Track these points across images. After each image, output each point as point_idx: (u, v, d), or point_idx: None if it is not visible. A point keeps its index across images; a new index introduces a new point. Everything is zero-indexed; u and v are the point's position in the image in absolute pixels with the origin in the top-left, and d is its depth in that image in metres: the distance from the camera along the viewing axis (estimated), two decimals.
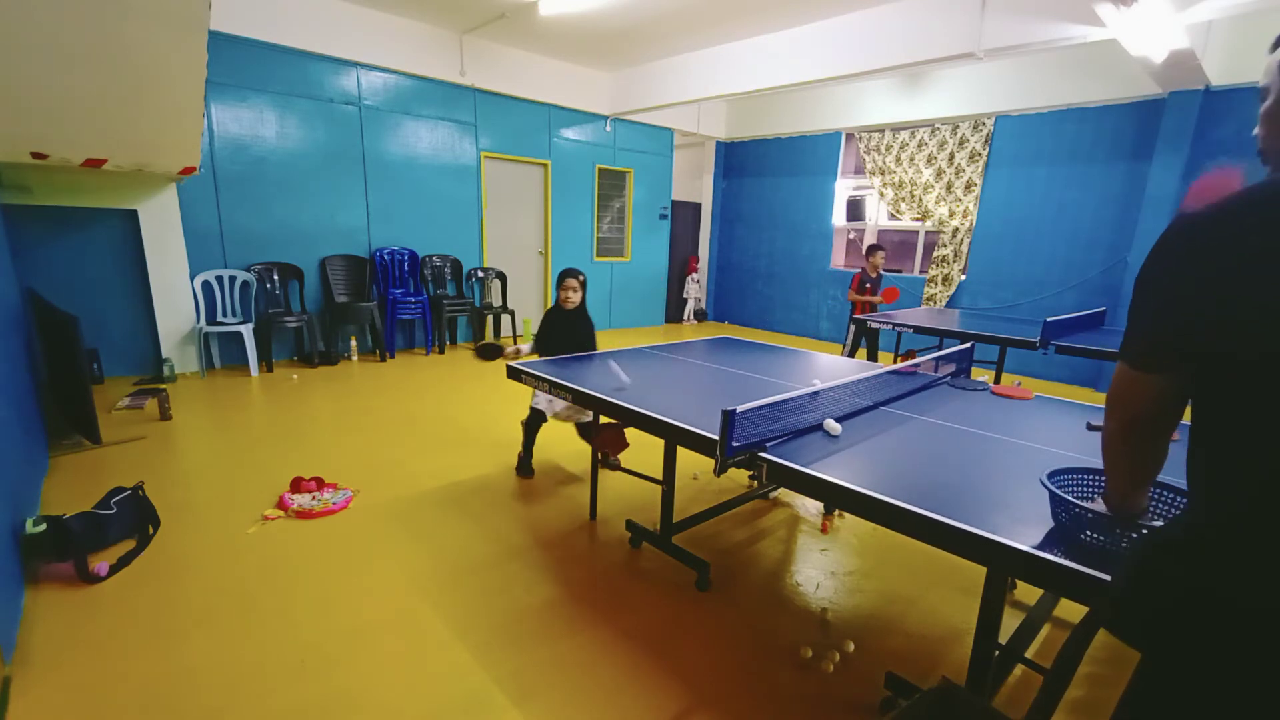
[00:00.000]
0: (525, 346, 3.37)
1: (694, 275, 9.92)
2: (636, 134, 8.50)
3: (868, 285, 6.01)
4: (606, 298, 8.63)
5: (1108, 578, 1.11)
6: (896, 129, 7.56)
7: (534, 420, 3.36)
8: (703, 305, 10.07)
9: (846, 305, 7.93)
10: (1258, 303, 0.73)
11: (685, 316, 9.98)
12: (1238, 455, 0.77)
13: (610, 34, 6.29)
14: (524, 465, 3.46)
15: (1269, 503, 0.73)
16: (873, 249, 6.11)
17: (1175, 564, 0.80)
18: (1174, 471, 0.99)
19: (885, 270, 8.09)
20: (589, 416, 3.07)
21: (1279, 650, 0.69)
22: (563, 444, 3.86)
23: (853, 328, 5.84)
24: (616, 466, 3.44)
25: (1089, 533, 1.22)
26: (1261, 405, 0.73)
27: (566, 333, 3.33)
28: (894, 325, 4.94)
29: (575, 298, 3.35)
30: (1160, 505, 1.29)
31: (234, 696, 1.78)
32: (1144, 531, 1.12)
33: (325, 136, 5.86)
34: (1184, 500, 1.19)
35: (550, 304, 3.42)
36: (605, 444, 3.10)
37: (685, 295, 9.97)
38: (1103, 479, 1.35)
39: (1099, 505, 1.18)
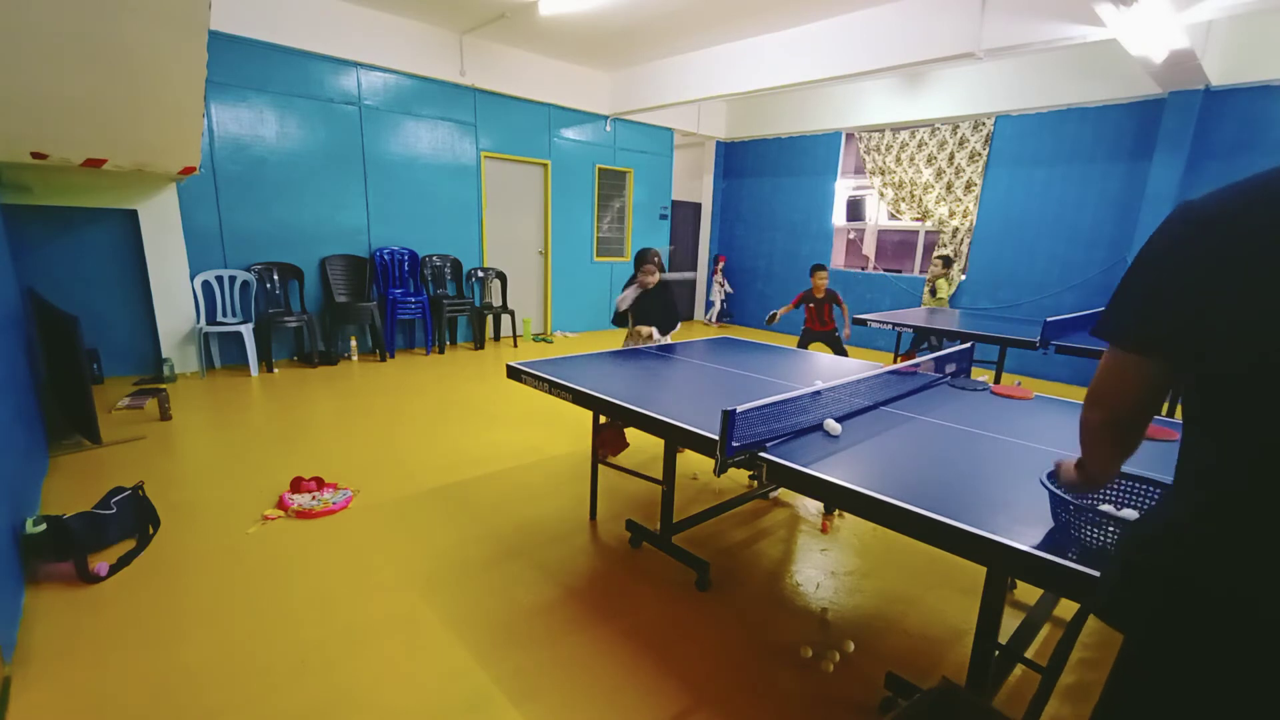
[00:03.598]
0: (653, 330, 3.65)
1: (717, 277, 9.62)
2: (636, 134, 8.50)
3: (810, 305, 5.26)
4: (606, 297, 8.63)
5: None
6: (896, 129, 7.56)
7: None
8: (727, 307, 9.73)
9: (846, 306, 7.91)
10: (1253, 302, 0.73)
11: (709, 319, 9.72)
12: (1225, 447, 0.79)
13: (610, 34, 6.29)
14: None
15: (1252, 494, 0.76)
16: (816, 268, 5.28)
17: (1161, 554, 0.83)
18: (1167, 469, 0.99)
19: (887, 270, 8.09)
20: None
21: (1254, 635, 0.73)
22: (562, 443, 3.86)
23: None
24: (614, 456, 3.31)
25: (1088, 532, 1.22)
26: (1250, 398, 0.75)
27: (658, 306, 3.65)
28: (894, 325, 4.95)
29: (652, 280, 3.59)
30: (1141, 498, 1.30)
31: (234, 696, 1.78)
32: (1129, 523, 1.13)
33: (325, 136, 5.86)
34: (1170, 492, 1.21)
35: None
36: (605, 444, 3.09)
37: (710, 298, 9.72)
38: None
39: (1120, 510, 1.17)
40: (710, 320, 9.75)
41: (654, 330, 3.65)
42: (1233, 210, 0.77)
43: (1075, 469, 1.12)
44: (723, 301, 9.71)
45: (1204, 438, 0.82)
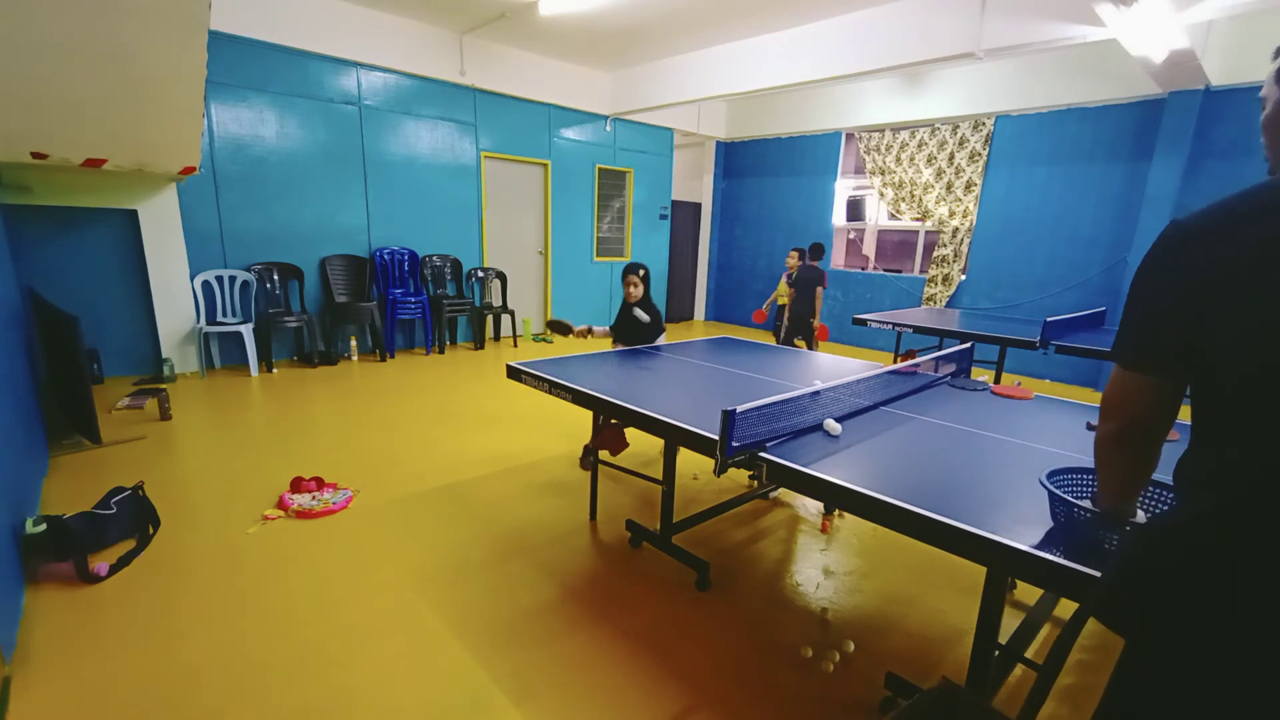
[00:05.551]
0: (600, 328, 3.52)
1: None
2: (636, 134, 8.50)
3: (791, 288, 5.98)
4: (606, 297, 8.63)
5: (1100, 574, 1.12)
6: (896, 129, 7.56)
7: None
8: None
9: (844, 306, 7.87)
10: (1249, 315, 0.75)
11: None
12: (1223, 453, 0.80)
13: (610, 34, 6.29)
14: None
15: (1254, 499, 0.76)
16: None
17: (1160, 557, 0.83)
18: (1164, 469, 0.99)
19: (887, 270, 8.07)
20: None
21: (1254, 638, 0.73)
22: (562, 443, 3.86)
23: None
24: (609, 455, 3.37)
25: (1087, 532, 1.22)
26: (1247, 407, 0.77)
27: (632, 324, 3.52)
28: (894, 325, 4.95)
29: (636, 293, 3.49)
30: (1148, 500, 1.30)
31: (234, 696, 1.78)
32: (1133, 525, 1.13)
33: (325, 136, 5.86)
34: (1171, 496, 1.21)
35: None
36: (605, 444, 3.09)
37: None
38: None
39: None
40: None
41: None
42: (1221, 226, 0.79)
43: (1092, 503, 1.15)
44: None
45: (1205, 443, 0.83)
